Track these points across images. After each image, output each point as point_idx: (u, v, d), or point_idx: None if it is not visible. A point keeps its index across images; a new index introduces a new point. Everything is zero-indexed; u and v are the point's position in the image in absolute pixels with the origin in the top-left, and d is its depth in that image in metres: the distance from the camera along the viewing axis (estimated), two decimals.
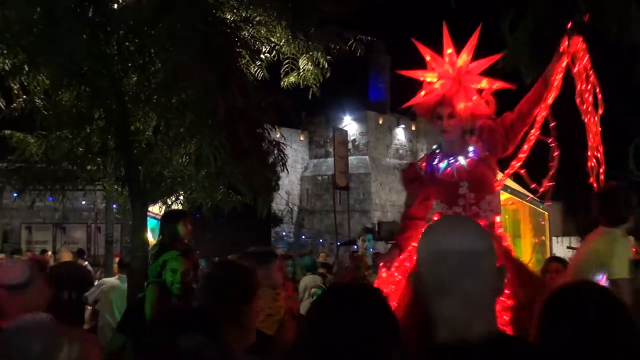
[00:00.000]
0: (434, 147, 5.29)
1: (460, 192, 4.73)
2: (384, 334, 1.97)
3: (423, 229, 3.33)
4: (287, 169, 8.83)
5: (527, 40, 3.42)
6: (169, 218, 6.73)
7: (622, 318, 2.29)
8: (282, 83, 8.79)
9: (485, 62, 4.75)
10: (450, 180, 4.79)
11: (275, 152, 8.21)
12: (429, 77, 4.88)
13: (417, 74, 4.95)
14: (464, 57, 4.74)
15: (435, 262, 1.96)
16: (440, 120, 4.82)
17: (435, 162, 4.99)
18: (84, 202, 19.07)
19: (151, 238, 9.19)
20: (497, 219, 4.81)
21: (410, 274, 4.31)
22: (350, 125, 61.07)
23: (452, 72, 4.77)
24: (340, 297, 2.07)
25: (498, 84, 4.73)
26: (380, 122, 65.86)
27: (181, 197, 8.30)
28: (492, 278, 1.97)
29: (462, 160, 4.80)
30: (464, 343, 1.88)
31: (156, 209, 10.65)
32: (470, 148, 4.80)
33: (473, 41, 4.74)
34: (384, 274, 4.89)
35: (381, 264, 5.02)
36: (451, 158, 4.86)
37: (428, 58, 4.84)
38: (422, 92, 4.94)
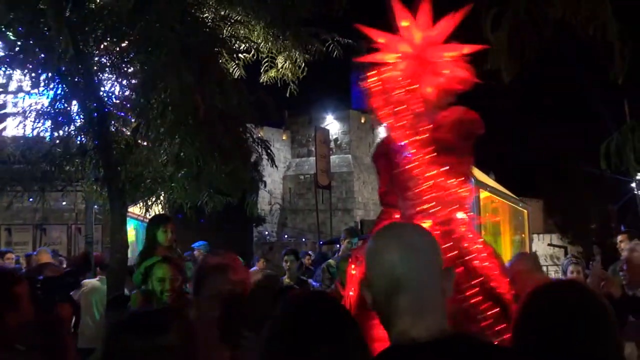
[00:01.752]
0: None
1: (406, 183, 4.08)
2: (344, 342, 1.99)
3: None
4: (275, 165, 8.82)
5: (506, 39, 3.42)
6: (150, 223, 6.65)
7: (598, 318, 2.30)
8: (261, 78, 8.79)
9: (448, 25, 4.13)
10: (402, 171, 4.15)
11: (260, 150, 8.17)
12: (390, 58, 4.33)
13: (376, 58, 4.39)
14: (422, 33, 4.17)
15: (381, 262, 1.99)
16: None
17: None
18: (64, 203, 18.91)
19: (132, 238, 9.15)
20: (460, 215, 4.03)
21: (360, 280, 3.97)
22: (332, 124, 61.15)
23: (412, 50, 4.21)
24: (296, 307, 2.10)
25: (468, 48, 4.14)
26: (363, 121, 65.90)
27: (161, 198, 8.25)
28: (440, 276, 2.00)
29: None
30: (414, 344, 1.90)
31: (137, 210, 10.59)
32: None
33: (451, 20, 4.11)
34: (353, 271, 4.23)
35: (351, 259, 4.41)
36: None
37: (381, 41, 4.29)
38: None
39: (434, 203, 3.96)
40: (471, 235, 3.97)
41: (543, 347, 2.22)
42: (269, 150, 8.31)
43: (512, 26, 3.37)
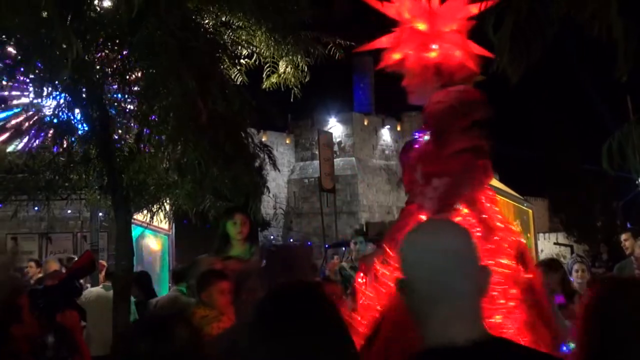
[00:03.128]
0: None
1: (416, 176, 4.05)
2: (327, 331, 2.01)
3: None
4: (278, 169, 8.83)
5: (508, 39, 3.41)
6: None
7: None
8: (263, 84, 8.80)
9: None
10: (412, 163, 4.14)
11: (262, 155, 8.18)
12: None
13: (382, 42, 4.32)
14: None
15: (421, 266, 1.97)
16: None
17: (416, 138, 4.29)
18: (69, 211, 18.92)
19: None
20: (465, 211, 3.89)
21: (397, 280, 3.77)
22: (335, 127, 61.20)
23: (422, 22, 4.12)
24: (280, 298, 2.11)
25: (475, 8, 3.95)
26: (366, 123, 65.98)
27: (166, 205, 8.26)
28: (478, 279, 1.98)
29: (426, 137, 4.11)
30: (453, 347, 1.88)
31: (141, 217, 10.61)
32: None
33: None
34: (361, 280, 4.07)
35: (360, 267, 4.27)
36: (421, 133, 4.20)
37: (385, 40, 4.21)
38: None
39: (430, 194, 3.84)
40: (478, 233, 3.75)
41: (609, 348, 2.20)
42: (271, 155, 8.31)
43: (515, 25, 3.35)
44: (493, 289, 3.44)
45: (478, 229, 3.79)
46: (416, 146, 4.22)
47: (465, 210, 3.85)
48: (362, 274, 4.04)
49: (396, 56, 4.27)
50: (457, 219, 3.74)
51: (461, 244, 1.99)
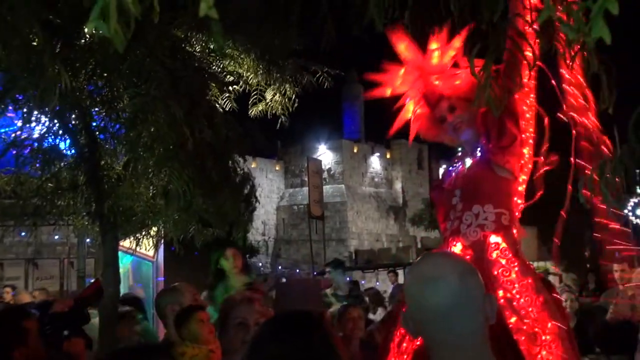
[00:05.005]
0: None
1: (453, 202, 3.97)
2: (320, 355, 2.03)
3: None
4: (258, 200, 8.90)
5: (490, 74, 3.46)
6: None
7: None
8: (249, 112, 8.87)
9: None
10: (449, 189, 4.10)
11: (249, 184, 8.23)
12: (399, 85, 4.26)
13: (385, 90, 4.31)
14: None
15: (419, 312, 2.00)
16: (445, 121, 4.16)
17: (450, 169, 4.28)
18: (57, 237, 18.87)
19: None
20: (493, 238, 3.81)
21: (402, 313, 3.54)
22: (325, 154, 61.31)
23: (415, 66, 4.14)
24: (276, 326, 2.14)
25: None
26: (355, 150, 66.12)
27: (152, 232, 8.26)
28: (481, 314, 1.99)
29: (467, 162, 4.08)
30: None
31: (127, 243, 10.58)
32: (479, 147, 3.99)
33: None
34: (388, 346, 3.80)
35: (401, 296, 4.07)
36: (458, 162, 4.18)
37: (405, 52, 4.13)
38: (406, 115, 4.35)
39: (468, 221, 3.83)
40: (505, 262, 3.71)
41: None
42: (253, 185, 8.37)
43: (497, 61, 3.41)
44: (534, 325, 3.49)
45: (516, 263, 3.77)
46: (453, 174, 4.18)
47: (504, 245, 3.82)
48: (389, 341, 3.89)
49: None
50: (495, 253, 3.75)
51: (455, 273, 2.00)
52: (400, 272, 25.70)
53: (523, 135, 3.95)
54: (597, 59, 2.89)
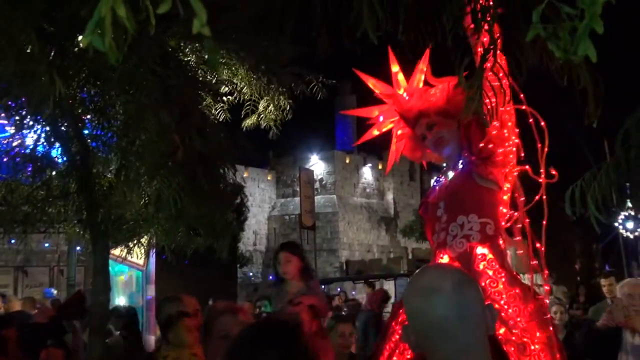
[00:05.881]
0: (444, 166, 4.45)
1: (437, 214, 4.00)
2: None
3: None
4: (249, 209, 8.89)
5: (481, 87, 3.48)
6: None
7: None
8: (242, 124, 8.86)
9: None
10: (433, 202, 4.12)
11: (240, 194, 8.22)
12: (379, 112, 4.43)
13: (364, 112, 4.56)
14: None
15: (420, 325, 2.00)
16: (426, 138, 4.23)
17: (434, 184, 4.31)
18: (47, 245, 18.81)
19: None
20: (479, 249, 3.81)
21: (402, 326, 3.47)
22: (317, 164, 61.35)
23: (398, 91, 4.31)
24: (253, 333, 2.15)
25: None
26: (347, 161, 66.19)
27: (143, 240, 8.24)
28: (482, 324, 2.00)
29: (450, 175, 4.12)
30: None
31: (117, 252, 10.55)
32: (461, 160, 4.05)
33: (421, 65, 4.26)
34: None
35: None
36: (442, 177, 4.21)
37: (377, 90, 4.39)
38: (375, 131, 4.55)
39: (454, 232, 3.84)
40: (492, 273, 3.73)
41: None
42: (244, 195, 8.36)
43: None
44: (523, 335, 3.51)
45: (503, 274, 3.78)
46: (437, 188, 4.21)
47: (490, 256, 3.83)
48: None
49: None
50: (482, 265, 3.77)
51: (454, 285, 1.99)
52: (391, 283, 25.61)
53: (506, 144, 3.97)
54: (587, 72, 2.93)
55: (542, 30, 1.88)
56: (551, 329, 3.69)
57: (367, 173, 69.07)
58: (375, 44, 3.09)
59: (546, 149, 3.96)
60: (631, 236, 26.38)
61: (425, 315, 1.96)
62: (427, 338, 1.97)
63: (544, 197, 3.97)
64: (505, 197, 4.07)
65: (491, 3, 3.30)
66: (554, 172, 3.96)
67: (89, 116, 7.08)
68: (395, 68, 4.32)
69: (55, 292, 14.93)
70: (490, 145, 3.92)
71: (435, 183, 4.29)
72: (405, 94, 4.32)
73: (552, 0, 1.85)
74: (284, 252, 5.50)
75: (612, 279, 8.74)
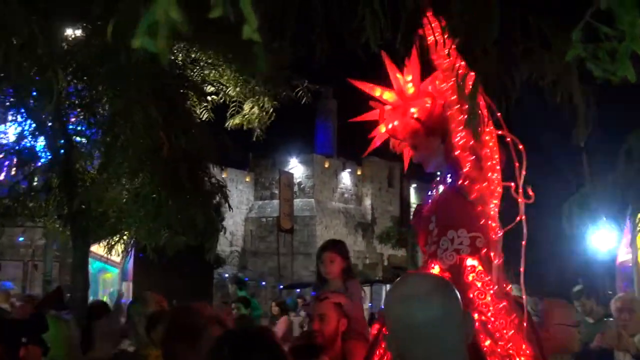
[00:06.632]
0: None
1: (430, 228, 4.02)
2: None
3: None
4: (231, 208, 8.84)
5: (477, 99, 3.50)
6: None
7: None
8: (226, 124, 8.84)
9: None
10: (426, 215, 4.12)
11: (219, 195, 8.18)
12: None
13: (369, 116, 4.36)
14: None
15: (403, 331, 2.02)
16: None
17: (427, 195, 4.33)
18: (21, 239, 18.61)
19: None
20: (469, 261, 3.84)
21: (384, 336, 3.47)
22: (296, 167, 61.23)
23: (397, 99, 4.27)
24: (232, 342, 2.18)
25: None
26: (327, 165, 66.18)
27: (125, 237, 8.20)
28: (462, 330, 2.03)
29: (441, 189, 4.13)
30: None
31: (98, 249, 10.49)
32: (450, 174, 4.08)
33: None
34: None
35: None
36: (434, 188, 4.21)
37: (377, 93, 4.29)
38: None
39: (445, 245, 3.86)
40: (480, 285, 3.74)
41: None
42: (226, 195, 8.32)
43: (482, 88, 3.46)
44: (509, 348, 3.48)
45: (491, 286, 3.77)
46: (429, 201, 4.18)
47: (480, 268, 3.84)
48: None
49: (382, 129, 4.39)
50: (471, 276, 3.78)
51: (435, 292, 2.03)
52: (367, 288, 25.62)
53: (488, 163, 4.01)
54: (580, 90, 2.96)
55: (582, 50, 1.90)
56: (538, 343, 3.70)
57: (345, 178, 69.06)
58: (374, 51, 3.10)
59: (524, 172, 4.00)
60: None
61: (410, 320, 1.99)
62: (411, 345, 2.00)
63: (523, 217, 4.00)
64: (492, 213, 4.09)
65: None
66: (531, 192, 4.00)
67: (74, 111, 7.04)
68: (377, 92, 4.28)
69: (12, 284, 14.68)
70: (473, 164, 3.96)
71: (429, 194, 4.26)
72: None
73: (590, 20, 1.86)
74: (328, 252, 5.41)
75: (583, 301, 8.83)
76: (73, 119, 7.11)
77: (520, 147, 4.02)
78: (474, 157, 3.92)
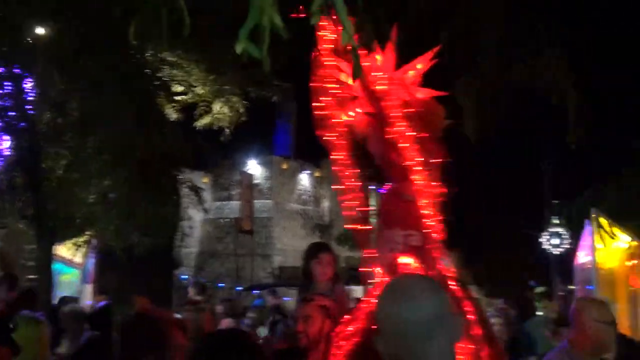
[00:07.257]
0: None
1: (375, 226, 4.09)
2: None
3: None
4: (205, 210, 8.79)
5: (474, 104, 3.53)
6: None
7: None
8: (194, 124, 8.74)
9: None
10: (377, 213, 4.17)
11: (193, 195, 8.11)
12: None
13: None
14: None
15: (392, 332, 2.02)
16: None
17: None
18: None
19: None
20: (403, 259, 3.85)
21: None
22: (254, 168, 61.10)
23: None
24: (211, 344, 2.17)
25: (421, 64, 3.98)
26: (285, 167, 65.99)
27: (91, 238, 8.07)
28: (451, 331, 2.03)
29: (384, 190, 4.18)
30: None
31: (65, 252, 10.27)
32: None
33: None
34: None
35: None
36: (384, 187, 4.21)
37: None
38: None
39: (383, 245, 3.88)
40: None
41: None
42: (200, 197, 8.27)
43: (480, 92, 3.50)
44: (468, 351, 3.51)
45: (453, 282, 3.81)
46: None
47: (415, 265, 3.82)
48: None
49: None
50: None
51: (426, 293, 2.03)
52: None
53: (409, 165, 4.04)
54: (575, 94, 3.00)
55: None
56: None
57: (304, 179, 68.89)
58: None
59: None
60: (556, 252, 27.00)
61: (405, 320, 2.00)
62: (398, 343, 2.00)
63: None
64: (426, 212, 4.10)
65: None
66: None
67: (43, 111, 6.89)
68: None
69: None
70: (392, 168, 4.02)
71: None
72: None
73: None
74: (327, 254, 5.38)
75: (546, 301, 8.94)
76: (41, 117, 6.95)
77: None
78: (390, 162, 3.99)
